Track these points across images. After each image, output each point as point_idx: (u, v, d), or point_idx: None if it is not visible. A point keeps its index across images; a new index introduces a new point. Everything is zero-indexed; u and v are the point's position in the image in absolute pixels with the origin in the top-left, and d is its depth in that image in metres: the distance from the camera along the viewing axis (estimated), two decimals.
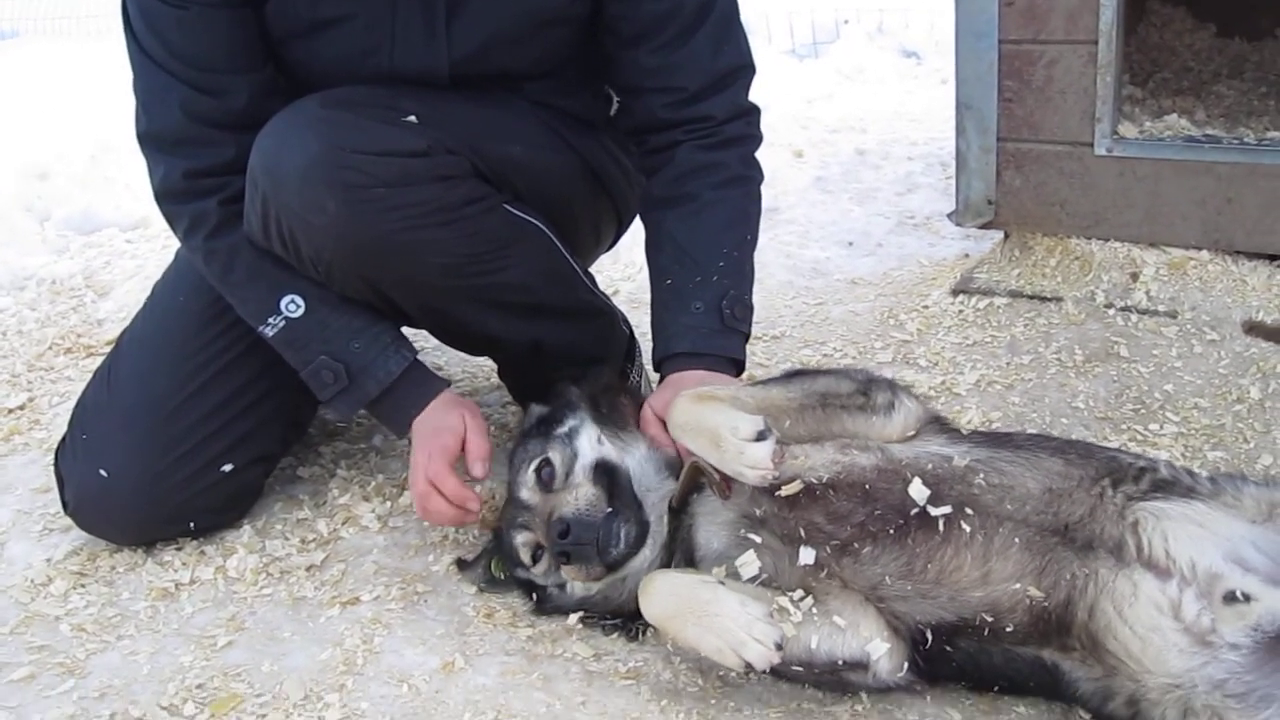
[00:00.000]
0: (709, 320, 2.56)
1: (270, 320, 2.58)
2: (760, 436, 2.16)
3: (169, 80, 2.53)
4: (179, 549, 2.75)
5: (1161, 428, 3.07)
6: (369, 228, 2.44)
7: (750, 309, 2.68)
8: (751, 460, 2.16)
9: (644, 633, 2.39)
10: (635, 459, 2.43)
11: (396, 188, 2.44)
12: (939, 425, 2.37)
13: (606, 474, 2.38)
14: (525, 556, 2.45)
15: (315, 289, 2.58)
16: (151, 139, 2.60)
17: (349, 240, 2.45)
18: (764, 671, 2.08)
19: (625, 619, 2.38)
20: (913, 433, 2.33)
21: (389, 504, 2.90)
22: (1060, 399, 3.20)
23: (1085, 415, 3.14)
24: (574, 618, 2.43)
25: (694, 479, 2.31)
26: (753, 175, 2.77)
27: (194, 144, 2.56)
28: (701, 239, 2.64)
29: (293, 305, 2.57)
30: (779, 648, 2.03)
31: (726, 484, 2.26)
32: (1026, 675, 2.18)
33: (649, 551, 2.35)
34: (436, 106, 2.55)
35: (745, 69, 2.74)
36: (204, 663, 2.38)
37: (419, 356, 2.68)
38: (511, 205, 2.68)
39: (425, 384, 2.66)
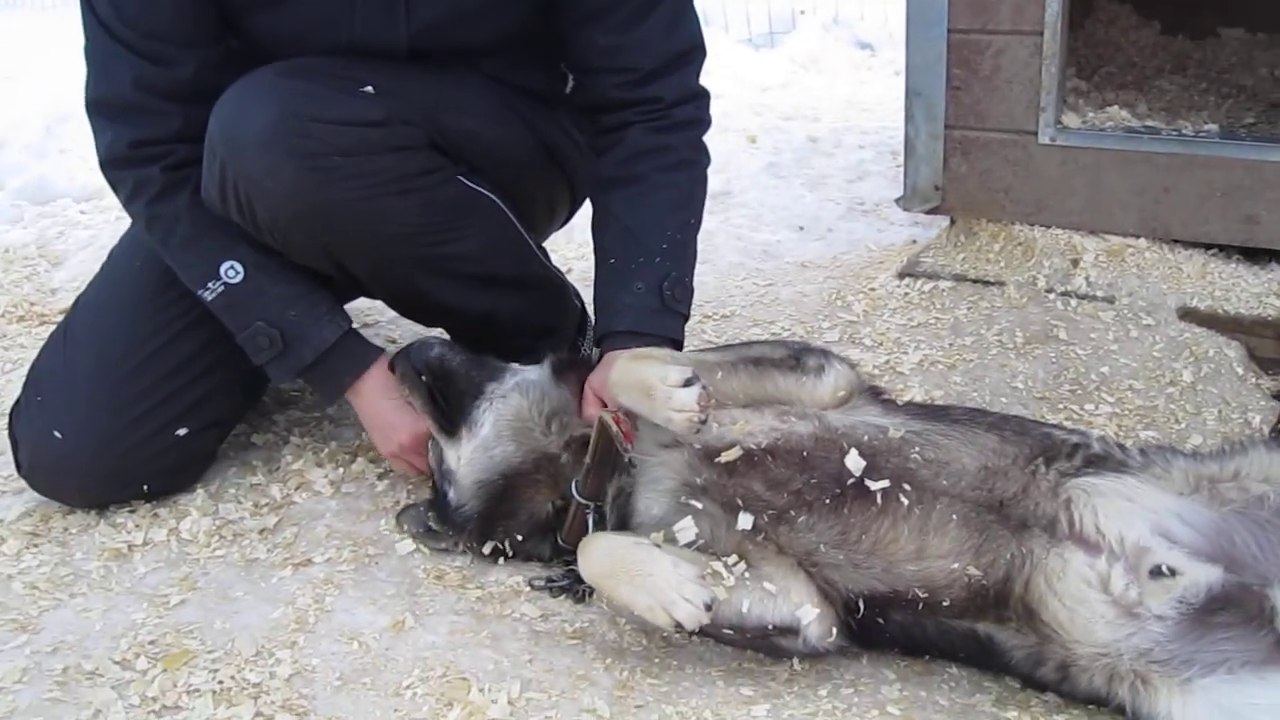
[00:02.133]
0: (649, 300, 2.62)
1: (209, 285, 2.61)
2: (688, 383, 2.21)
3: (120, 49, 2.55)
4: (132, 511, 2.77)
5: (1097, 408, 3.16)
6: (325, 195, 2.49)
7: (690, 291, 2.74)
8: (679, 404, 2.20)
9: (590, 595, 2.45)
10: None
11: (353, 156, 2.50)
12: (874, 395, 2.44)
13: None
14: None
15: (255, 256, 2.62)
16: (100, 105, 2.63)
17: (305, 207, 2.50)
18: (694, 632, 2.15)
19: (572, 582, 2.44)
20: (844, 394, 2.39)
21: (341, 470, 2.94)
22: (1000, 379, 3.28)
23: (1024, 395, 3.22)
24: (522, 579, 2.51)
25: (603, 436, 2.36)
26: (699, 159, 2.83)
27: (141, 113, 2.59)
28: (646, 221, 2.70)
29: (232, 271, 2.60)
30: (708, 608, 2.09)
31: (627, 436, 2.33)
32: (958, 646, 2.25)
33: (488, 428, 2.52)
34: (394, 78, 2.59)
35: (696, 50, 2.79)
36: (156, 620, 2.42)
37: (358, 327, 2.75)
38: (466, 177, 2.74)
39: (359, 353, 2.72)
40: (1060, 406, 3.17)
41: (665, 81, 2.73)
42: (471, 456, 2.53)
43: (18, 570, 2.58)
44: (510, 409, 2.55)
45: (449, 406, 2.58)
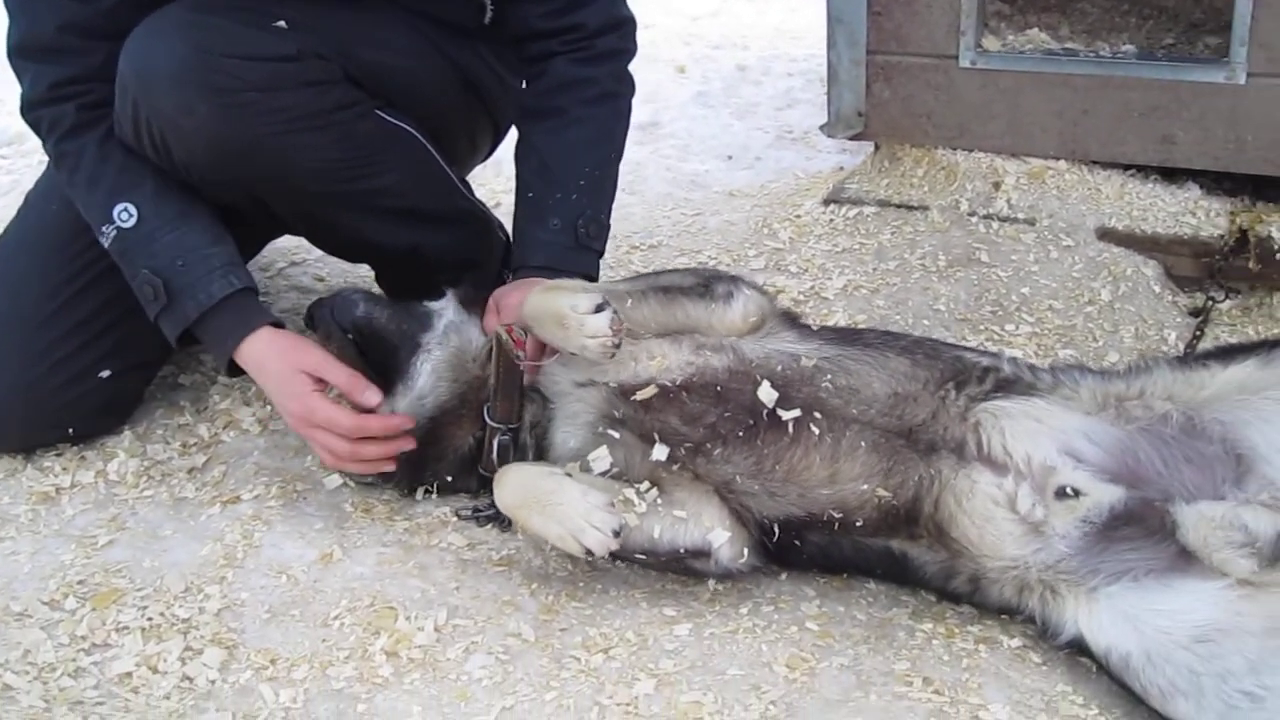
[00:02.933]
0: (564, 237, 2.65)
1: (104, 229, 2.56)
2: (599, 309, 2.26)
3: None
4: (59, 455, 2.78)
5: (1017, 328, 3.23)
6: (239, 131, 2.48)
7: (606, 228, 2.78)
8: (591, 330, 2.25)
9: None
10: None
11: (267, 92, 2.49)
12: (790, 320, 2.49)
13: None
14: None
15: (154, 199, 2.56)
16: (22, 50, 2.60)
17: (219, 143, 2.48)
18: (604, 557, 2.20)
19: (497, 511, 2.47)
20: (755, 320, 2.43)
21: (269, 408, 2.93)
22: (923, 302, 3.34)
23: (946, 317, 3.28)
24: (449, 510, 2.55)
25: (501, 351, 2.40)
26: (622, 91, 2.85)
27: (64, 52, 2.56)
28: (565, 155, 2.73)
29: (125, 214, 2.55)
30: (616, 534, 2.15)
31: (518, 343, 2.40)
32: (874, 563, 2.33)
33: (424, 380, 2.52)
34: (307, 12, 2.58)
35: None
36: (85, 560, 2.44)
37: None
38: (385, 111, 2.73)
39: (247, 314, 2.56)
40: (981, 327, 3.24)
41: (589, 8, 2.74)
42: (406, 407, 2.52)
43: None
44: (447, 355, 2.55)
45: (383, 363, 2.56)
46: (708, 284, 2.46)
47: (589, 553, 2.15)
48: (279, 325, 2.58)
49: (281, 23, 2.51)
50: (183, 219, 2.57)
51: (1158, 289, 3.41)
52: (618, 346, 2.25)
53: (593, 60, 2.78)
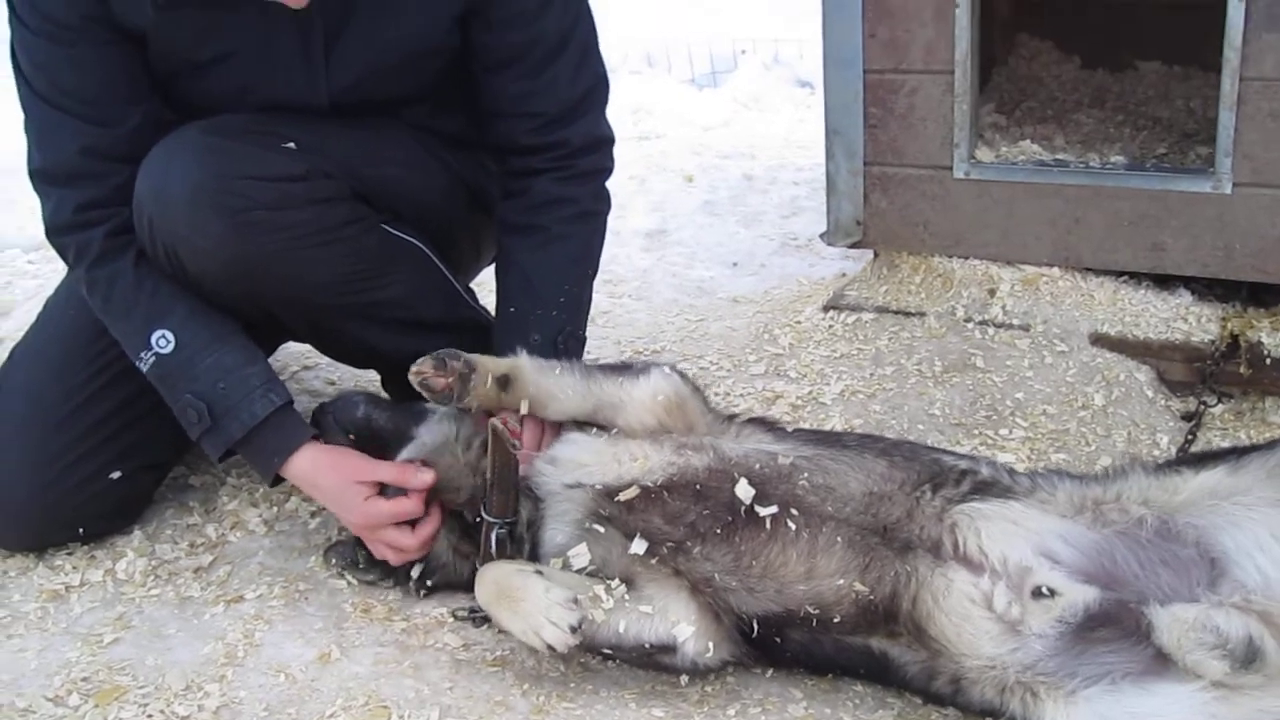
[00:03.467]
0: (544, 352, 2.72)
1: (143, 355, 2.64)
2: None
3: (61, 117, 2.63)
4: (70, 553, 2.86)
5: (1011, 432, 3.28)
6: (250, 248, 2.58)
7: (582, 342, 2.91)
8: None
9: None
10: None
11: (277, 210, 2.60)
12: (763, 423, 2.56)
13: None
14: None
15: (189, 324, 2.64)
16: (44, 175, 2.70)
17: (232, 261, 2.59)
18: (565, 651, 2.26)
19: None
20: (663, 399, 2.52)
21: (275, 509, 3.03)
22: (918, 406, 3.40)
23: (941, 421, 3.34)
24: (446, 611, 2.61)
25: (497, 443, 2.46)
26: (600, 210, 2.99)
27: (85, 177, 2.66)
28: (546, 272, 2.85)
29: (163, 341, 2.63)
30: (574, 630, 2.21)
31: (514, 433, 2.47)
32: (857, 663, 2.36)
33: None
34: (315, 132, 2.70)
35: (601, 86, 2.92)
36: (90, 658, 2.50)
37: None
38: (390, 225, 2.85)
39: (289, 430, 2.65)
40: (975, 432, 3.29)
41: (573, 126, 2.86)
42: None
43: None
44: (434, 441, 2.65)
45: (380, 458, 2.65)
46: (629, 364, 2.60)
47: (551, 649, 2.22)
48: (317, 436, 2.68)
49: (291, 144, 2.63)
50: (219, 341, 2.66)
51: (1150, 394, 3.46)
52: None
53: (574, 179, 2.91)
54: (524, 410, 2.54)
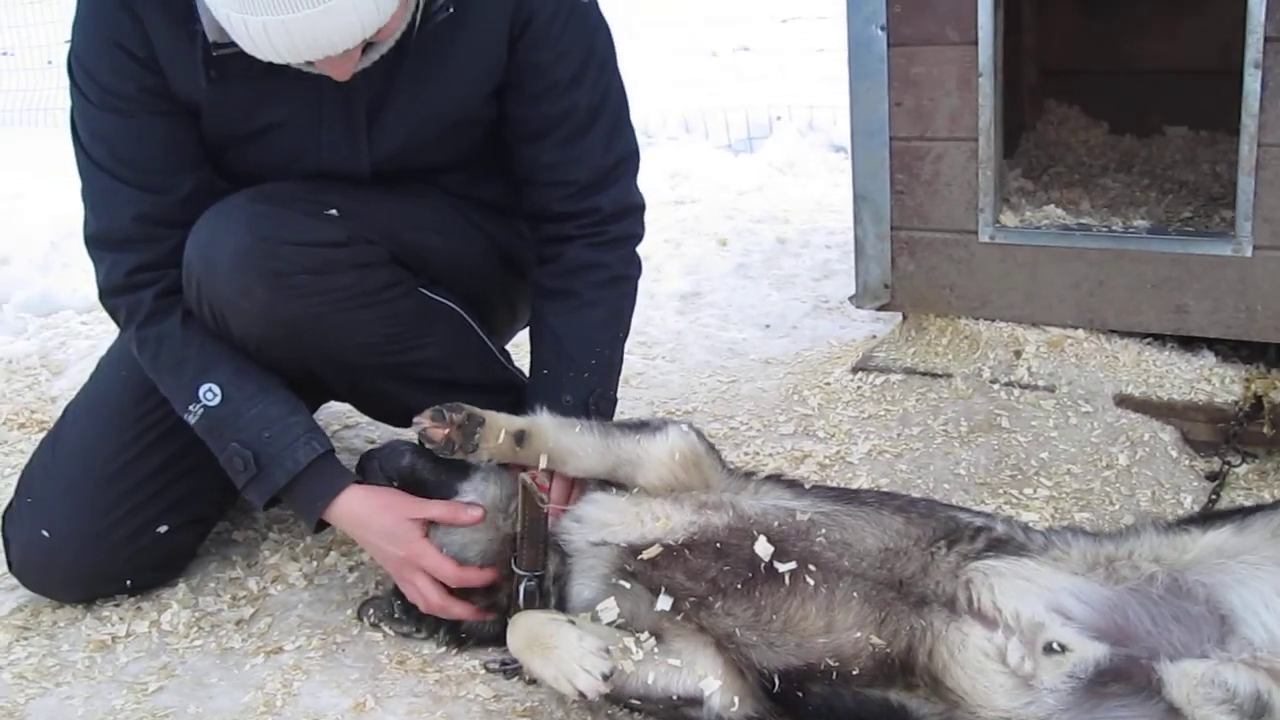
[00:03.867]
0: (576, 412, 2.80)
1: (190, 408, 2.74)
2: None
3: (117, 185, 2.74)
4: (117, 605, 2.95)
5: (1035, 492, 3.32)
6: (293, 311, 2.70)
7: (613, 403, 3.00)
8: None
9: None
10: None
11: (319, 274, 2.71)
12: (780, 481, 2.64)
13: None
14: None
15: (235, 378, 2.74)
16: (99, 240, 2.81)
17: (275, 322, 2.70)
18: (597, 699, 2.33)
19: None
20: (679, 457, 2.60)
21: (315, 563, 3.12)
22: (944, 466, 3.45)
23: (966, 481, 3.39)
24: (479, 663, 2.68)
25: (527, 498, 2.56)
26: (631, 274, 3.08)
27: (139, 242, 2.77)
28: (578, 336, 2.94)
29: (210, 394, 2.73)
30: (606, 678, 2.29)
31: (542, 488, 2.57)
32: (877, 715, 2.39)
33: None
34: (357, 199, 2.82)
35: (632, 156, 3.03)
36: (134, 706, 2.59)
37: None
38: (428, 289, 2.96)
39: (331, 476, 2.74)
40: (1000, 491, 3.34)
41: (605, 194, 2.96)
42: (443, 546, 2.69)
43: (7, 661, 2.76)
44: (475, 497, 2.73)
45: None
46: (646, 422, 2.67)
47: (581, 694, 2.29)
48: (359, 481, 2.78)
49: (333, 211, 2.74)
50: (263, 393, 2.76)
51: (1174, 454, 3.49)
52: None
53: (605, 245, 3.00)
54: (543, 464, 2.63)
